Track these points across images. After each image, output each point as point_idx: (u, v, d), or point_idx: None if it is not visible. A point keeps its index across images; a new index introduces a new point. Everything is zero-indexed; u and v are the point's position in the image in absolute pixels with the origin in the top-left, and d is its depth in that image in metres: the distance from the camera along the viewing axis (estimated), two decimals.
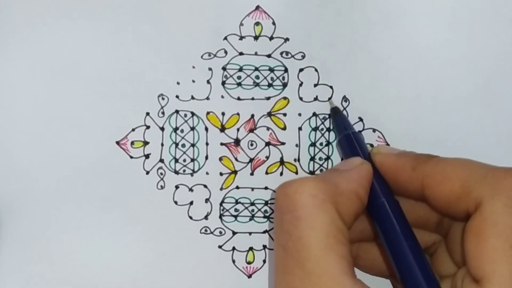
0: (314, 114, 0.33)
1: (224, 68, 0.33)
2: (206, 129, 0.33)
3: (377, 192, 0.26)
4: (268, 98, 0.33)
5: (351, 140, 0.30)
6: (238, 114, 0.33)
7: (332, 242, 0.22)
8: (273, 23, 0.33)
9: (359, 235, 0.28)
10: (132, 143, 0.33)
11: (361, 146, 0.30)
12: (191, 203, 0.33)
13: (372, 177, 0.26)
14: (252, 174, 0.33)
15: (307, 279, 0.21)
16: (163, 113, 0.33)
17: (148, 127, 0.33)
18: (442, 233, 0.27)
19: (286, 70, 0.33)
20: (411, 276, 0.23)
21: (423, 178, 0.24)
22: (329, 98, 0.33)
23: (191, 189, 0.33)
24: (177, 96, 0.33)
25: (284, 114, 0.33)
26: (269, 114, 0.33)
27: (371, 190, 0.26)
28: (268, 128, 0.33)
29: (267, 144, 0.33)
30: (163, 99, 0.33)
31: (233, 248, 0.33)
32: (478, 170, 0.23)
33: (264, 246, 0.33)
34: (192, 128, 0.33)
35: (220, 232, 0.33)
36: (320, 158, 0.33)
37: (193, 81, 0.33)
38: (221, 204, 0.33)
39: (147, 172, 0.33)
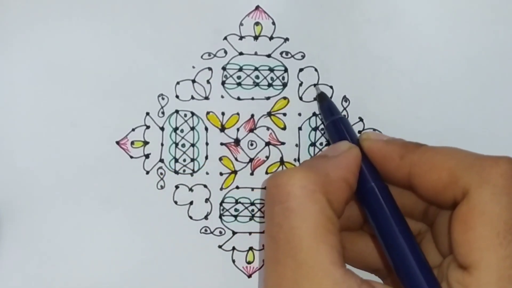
0: (314, 114, 0.33)
1: (224, 68, 0.33)
2: (206, 129, 0.33)
3: (366, 177, 0.26)
4: (268, 98, 0.33)
5: (339, 125, 0.30)
6: (238, 114, 0.33)
7: (323, 232, 0.22)
8: (273, 23, 0.33)
9: (345, 222, 0.28)
10: (132, 143, 0.33)
11: (349, 132, 0.29)
12: (191, 203, 0.33)
13: (360, 162, 0.26)
14: (252, 174, 0.33)
15: (298, 270, 0.21)
16: (163, 113, 0.33)
17: (148, 127, 0.33)
18: (428, 223, 0.27)
19: (286, 70, 0.33)
20: (403, 262, 0.23)
21: (411, 167, 0.24)
22: (315, 85, 0.32)
23: (191, 189, 0.33)
24: (177, 96, 0.33)
25: (284, 114, 0.33)
26: (269, 114, 0.33)
27: (360, 175, 0.26)
28: (268, 128, 0.33)
29: (267, 144, 0.33)
30: (163, 99, 0.33)
31: (233, 248, 0.33)
32: (465, 158, 0.23)
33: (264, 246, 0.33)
34: (192, 128, 0.33)
35: (220, 232, 0.33)
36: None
37: (193, 81, 0.33)
38: (221, 204, 0.33)
39: (147, 172, 0.33)
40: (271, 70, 0.33)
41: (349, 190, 0.24)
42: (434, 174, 0.23)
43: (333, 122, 0.30)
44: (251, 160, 0.33)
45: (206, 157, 0.33)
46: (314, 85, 0.32)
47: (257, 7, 0.33)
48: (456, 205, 0.22)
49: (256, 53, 0.33)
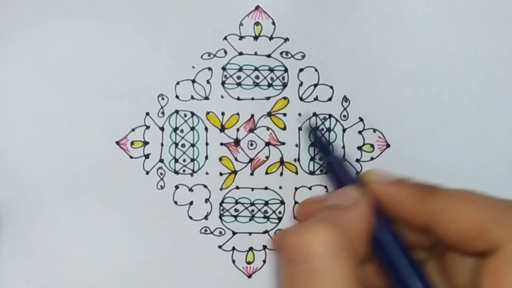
0: (314, 114, 0.33)
1: (224, 68, 0.33)
2: (206, 129, 0.33)
3: (380, 226, 0.24)
4: (268, 98, 0.33)
5: (339, 166, 0.28)
6: (238, 114, 0.33)
7: None
8: (273, 23, 0.33)
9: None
10: (132, 143, 0.33)
11: (349, 172, 0.28)
12: (191, 203, 0.33)
13: (372, 210, 0.24)
14: (252, 174, 0.33)
15: None
16: (163, 113, 0.33)
17: (148, 127, 0.33)
18: (435, 254, 0.26)
19: (286, 70, 0.33)
20: None
21: (431, 215, 0.23)
22: (300, 114, 0.32)
23: (191, 189, 0.33)
24: (177, 96, 0.33)
25: (284, 114, 0.33)
26: (269, 114, 0.33)
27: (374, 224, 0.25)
28: (268, 128, 0.33)
29: (267, 144, 0.33)
30: (163, 99, 0.33)
31: (233, 248, 0.33)
32: (492, 209, 0.22)
33: (264, 246, 0.33)
34: (192, 128, 0.33)
35: (220, 232, 0.33)
36: (321, 158, 0.33)
37: (193, 81, 0.33)
38: (221, 204, 0.33)
39: (147, 172, 0.33)
40: (271, 70, 0.33)
41: (368, 243, 0.23)
42: (458, 225, 0.22)
43: (332, 162, 0.28)
44: (251, 160, 0.33)
45: (206, 157, 0.33)
46: (300, 115, 0.32)
47: (257, 7, 0.33)
48: (484, 254, 0.22)
49: (256, 53, 0.33)
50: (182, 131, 0.33)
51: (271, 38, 0.33)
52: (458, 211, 0.22)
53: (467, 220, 0.22)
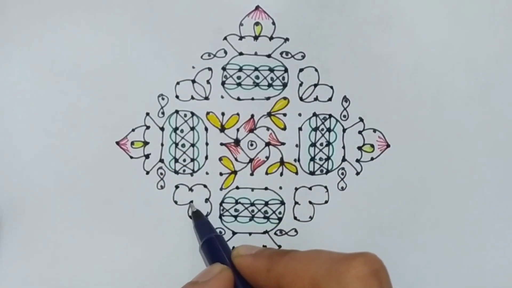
0: (314, 114, 0.33)
1: (224, 68, 0.33)
2: (206, 129, 0.33)
3: None
4: (268, 98, 0.33)
5: (213, 244, 0.30)
6: (238, 114, 0.33)
7: None
8: (273, 23, 0.33)
9: None
10: (132, 143, 0.33)
11: (225, 249, 0.29)
12: (191, 203, 0.33)
13: (233, 283, 0.26)
14: (252, 174, 0.33)
15: None
16: (163, 113, 0.33)
17: (148, 127, 0.33)
18: None
19: (286, 70, 0.33)
20: None
21: (278, 279, 0.24)
22: (190, 202, 0.32)
23: (191, 189, 0.33)
24: (177, 96, 0.33)
25: (284, 114, 0.33)
26: (269, 114, 0.33)
27: None
28: (268, 128, 0.33)
29: (267, 144, 0.33)
30: (163, 99, 0.33)
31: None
32: (323, 265, 0.23)
33: (264, 247, 0.33)
34: (192, 128, 0.33)
35: (220, 232, 0.33)
36: (321, 159, 0.33)
37: (193, 81, 0.33)
38: (221, 204, 0.33)
39: (147, 172, 0.33)
40: (271, 70, 0.33)
41: None
42: (298, 284, 0.23)
43: (207, 242, 0.30)
44: (251, 160, 0.33)
45: (206, 157, 0.33)
46: (190, 201, 0.32)
47: (257, 7, 0.33)
48: None
49: (256, 53, 0.33)
50: (182, 131, 0.33)
51: (271, 38, 0.33)
52: (296, 272, 0.24)
53: (304, 278, 0.23)
